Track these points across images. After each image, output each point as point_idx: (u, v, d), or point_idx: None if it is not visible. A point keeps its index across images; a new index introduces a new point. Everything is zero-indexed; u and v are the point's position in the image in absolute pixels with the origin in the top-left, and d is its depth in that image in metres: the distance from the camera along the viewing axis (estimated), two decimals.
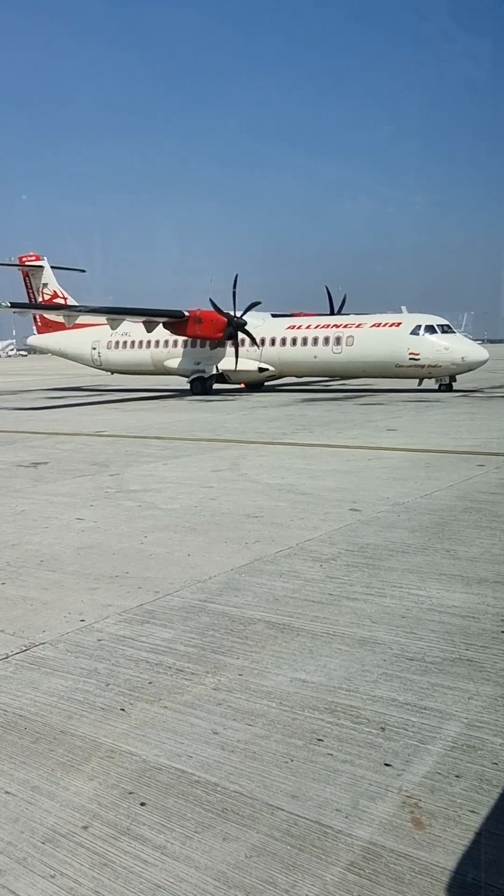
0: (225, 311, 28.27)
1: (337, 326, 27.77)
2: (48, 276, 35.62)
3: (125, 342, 31.90)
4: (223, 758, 3.41)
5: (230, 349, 28.71)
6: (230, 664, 4.39)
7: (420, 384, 26.44)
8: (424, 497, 8.94)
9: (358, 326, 27.21)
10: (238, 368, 28.93)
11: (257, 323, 28.99)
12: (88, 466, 12.08)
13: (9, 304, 27.54)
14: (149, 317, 28.96)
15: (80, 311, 29.78)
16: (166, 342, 30.54)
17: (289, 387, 31.89)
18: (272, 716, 3.78)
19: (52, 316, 33.71)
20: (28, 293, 36.31)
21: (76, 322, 30.72)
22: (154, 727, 3.71)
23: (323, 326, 28.11)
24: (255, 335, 28.46)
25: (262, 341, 28.65)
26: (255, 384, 30.80)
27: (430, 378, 26.09)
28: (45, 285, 35.62)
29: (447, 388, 25.89)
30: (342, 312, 32.12)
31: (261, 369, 29.06)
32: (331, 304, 32.51)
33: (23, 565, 6.57)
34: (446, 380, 25.98)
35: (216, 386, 29.90)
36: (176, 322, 29.01)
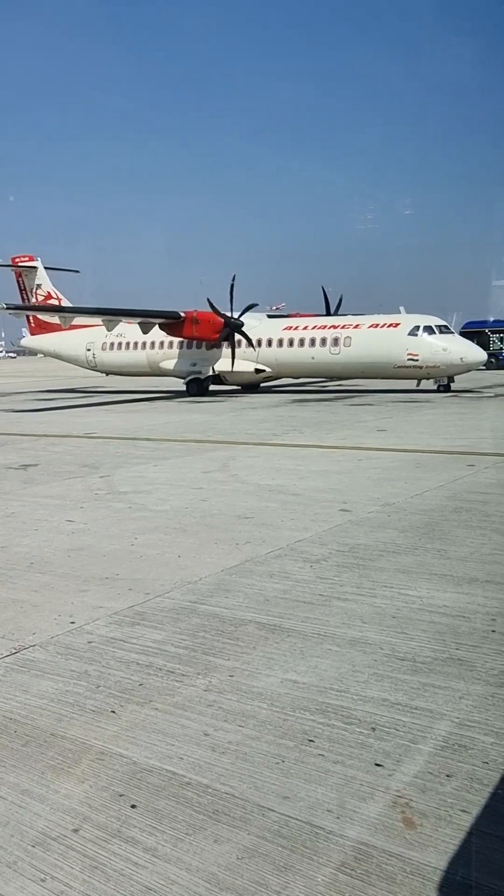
0: (222, 313, 28.19)
1: (334, 327, 27.63)
2: (42, 276, 35.43)
3: (120, 343, 31.70)
4: (214, 759, 3.40)
5: (226, 350, 28.61)
6: (221, 665, 4.39)
7: (418, 385, 26.43)
8: (414, 497, 8.95)
9: (356, 327, 27.09)
10: (235, 370, 28.78)
11: (254, 324, 28.91)
12: (79, 468, 12.05)
13: (4, 306, 27.45)
14: (144, 318, 28.78)
15: (75, 312, 29.64)
16: (162, 343, 30.35)
17: (282, 388, 31.86)
18: (263, 717, 3.78)
19: (46, 317, 33.56)
20: (21, 294, 36.10)
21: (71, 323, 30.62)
22: (145, 729, 3.70)
23: (320, 327, 27.96)
24: (251, 336, 28.39)
25: (259, 342, 28.56)
26: (252, 385, 30.71)
27: (428, 379, 26.04)
28: (38, 286, 35.42)
29: (445, 388, 25.90)
30: (339, 313, 31.90)
31: (258, 370, 28.93)
32: (327, 305, 32.19)
33: (13, 567, 6.54)
34: (444, 380, 25.98)
35: (212, 387, 29.79)
36: (172, 323, 28.85)
